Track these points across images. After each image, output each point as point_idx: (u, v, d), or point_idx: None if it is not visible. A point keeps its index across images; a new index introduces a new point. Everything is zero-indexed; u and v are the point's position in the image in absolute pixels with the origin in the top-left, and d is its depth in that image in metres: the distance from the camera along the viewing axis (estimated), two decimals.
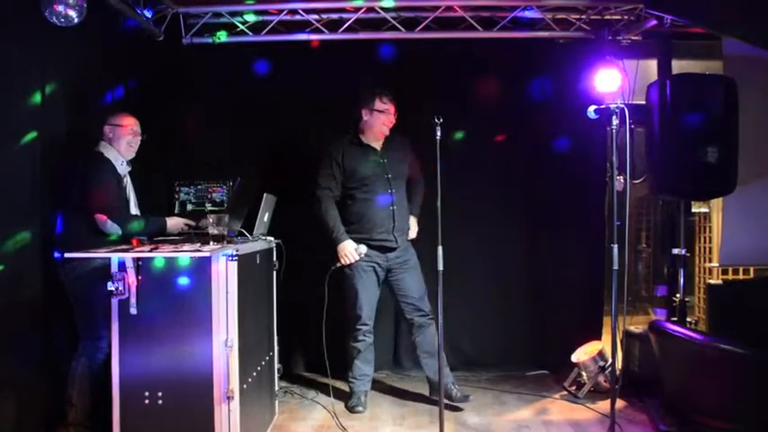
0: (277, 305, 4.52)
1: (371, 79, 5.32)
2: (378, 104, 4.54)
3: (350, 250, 4.50)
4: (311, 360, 5.52)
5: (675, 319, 4.99)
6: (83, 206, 3.83)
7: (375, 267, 4.60)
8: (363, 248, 4.51)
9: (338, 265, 4.54)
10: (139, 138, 4.17)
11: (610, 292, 4.05)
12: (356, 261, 4.55)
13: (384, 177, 4.55)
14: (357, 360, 4.67)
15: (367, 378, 4.71)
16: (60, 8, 3.76)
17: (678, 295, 4.99)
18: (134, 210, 4.20)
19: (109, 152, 4.03)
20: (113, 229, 3.83)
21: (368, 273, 4.59)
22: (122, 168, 4.07)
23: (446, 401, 4.25)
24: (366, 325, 4.63)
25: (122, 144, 4.08)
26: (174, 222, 4.27)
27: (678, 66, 5.22)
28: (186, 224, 4.30)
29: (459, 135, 5.27)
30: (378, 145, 4.62)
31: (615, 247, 3.95)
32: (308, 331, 5.37)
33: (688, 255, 5.09)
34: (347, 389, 4.81)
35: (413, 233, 4.72)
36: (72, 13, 3.82)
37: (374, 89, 4.58)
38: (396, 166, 4.57)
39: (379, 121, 4.55)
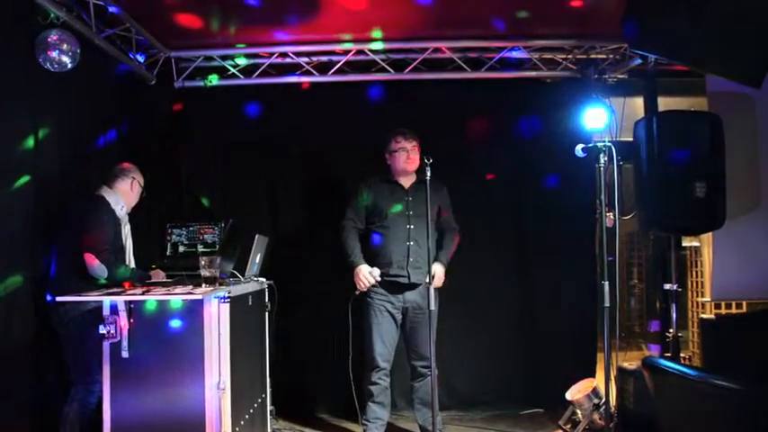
0: (269, 345, 4.52)
1: (361, 120, 5.46)
2: (393, 145, 4.63)
3: (364, 273, 4.48)
4: (306, 401, 5.49)
5: (669, 354, 4.97)
6: (77, 248, 3.82)
7: (389, 308, 4.57)
8: (377, 272, 4.48)
9: (357, 292, 4.51)
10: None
11: (602, 328, 4.06)
12: (372, 300, 4.55)
13: (405, 214, 4.57)
14: (370, 402, 4.58)
15: (380, 422, 4.60)
16: (54, 54, 3.83)
17: (671, 330, 4.97)
18: (131, 257, 4.21)
19: (110, 196, 4.06)
20: (100, 271, 3.79)
21: (383, 313, 4.56)
22: (121, 213, 4.10)
23: None
24: (380, 368, 4.56)
25: (133, 200, 4.20)
26: (155, 273, 4.31)
27: (664, 102, 5.28)
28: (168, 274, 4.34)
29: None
30: (406, 183, 4.66)
31: (606, 284, 3.99)
32: (302, 371, 5.36)
33: (680, 290, 5.08)
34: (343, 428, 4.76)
35: (437, 281, 4.56)
36: (66, 59, 3.89)
37: (390, 132, 4.67)
38: (420, 206, 4.46)
39: (400, 160, 4.60)
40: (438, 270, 4.56)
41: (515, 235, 5.69)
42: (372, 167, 4.81)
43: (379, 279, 4.49)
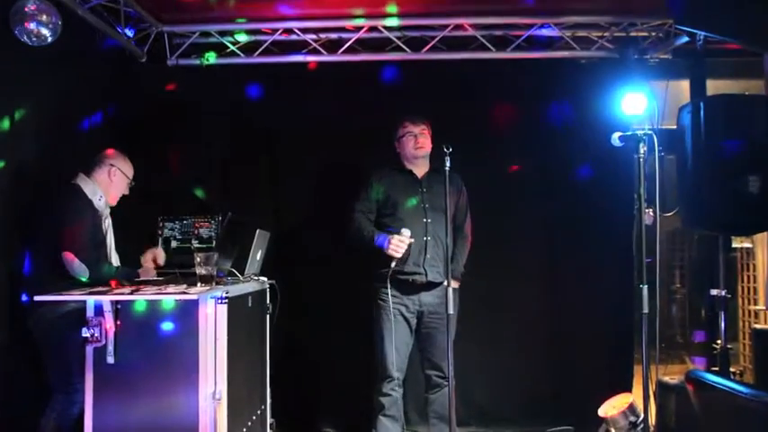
0: (270, 350, 4.54)
1: (374, 105, 5.42)
2: (400, 131, 4.67)
3: (394, 240, 4.38)
4: (309, 413, 5.46)
5: (717, 368, 4.93)
6: (54, 244, 3.80)
7: (403, 311, 4.54)
8: (407, 231, 4.39)
9: (393, 265, 4.40)
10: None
11: (640, 337, 4.02)
12: (384, 303, 4.50)
13: (421, 207, 4.57)
14: (381, 416, 4.55)
15: None
16: (32, 26, 3.78)
17: (719, 342, 4.94)
18: (113, 253, 4.19)
19: (86, 186, 4.03)
20: (80, 270, 3.77)
21: (396, 317, 4.52)
22: (100, 204, 4.07)
23: None
24: (393, 378, 4.52)
25: (115, 191, 4.15)
26: (144, 271, 4.26)
27: (713, 86, 5.26)
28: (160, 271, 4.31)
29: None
30: (420, 172, 4.68)
31: (645, 287, 3.96)
32: (306, 381, 5.35)
33: (729, 296, 5.01)
34: None
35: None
36: (45, 32, 3.84)
37: (396, 119, 4.70)
38: (436, 198, 4.52)
39: (409, 146, 4.63)
40: (453, 284, 4.45)
41: (543, 233, 5.64)
42: (385, 156, 4.80)
43: (411, 239, 4.40)
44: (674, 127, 4.80)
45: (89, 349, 3.33)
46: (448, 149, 3.93)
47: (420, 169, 4.68)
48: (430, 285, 4.54)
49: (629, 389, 5.23)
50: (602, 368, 5.42)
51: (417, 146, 4.60)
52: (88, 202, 3.99)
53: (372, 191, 4.63)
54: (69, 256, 3.76)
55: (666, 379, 4.85)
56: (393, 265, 4.40)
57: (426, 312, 4.56)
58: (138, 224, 5.00)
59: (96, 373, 3.33)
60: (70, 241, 3.78)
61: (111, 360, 3.33)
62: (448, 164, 3.94)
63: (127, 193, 4.25)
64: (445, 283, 4.05)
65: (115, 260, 4.18)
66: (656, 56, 5.47)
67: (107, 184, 4.12)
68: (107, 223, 4.15)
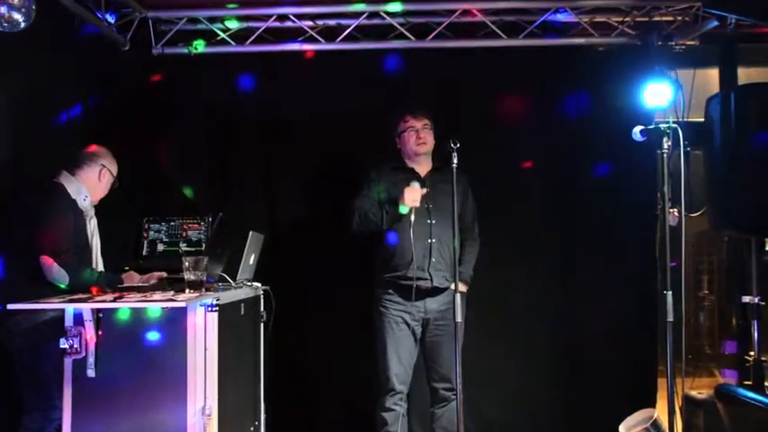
0: (264, 362, 4.51)
1: (375, 97, 5.42)
2: (401, 126, 4.71)
3: (407, 191, 4.38)
4: (307, 429, 5.46)
5: (749, 382, 4.92)
6: (31, 248, 3.76)
7: (407, 319, 4.53)
8: (415, 183, 4.40)
9: (412, 219, 4.40)
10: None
11: (664, 348, 4.01)
12: (386, 310, 4.53)
13: (424, 207, 4.53)
14: None
15: None
16: (3, 10, 3.71)
17: (752, 353, 4.95)
18: (97, 258, 4.17)
19: (70, 185, 4.00)
20: (59, 276, 3.73)
21: (399, 326, 4.53)
22: (85, 204, 4.04)
23: None
24: (396, 392, 4.52)
25: (102, 190, 4.15)
26: (129, 277, 4.25)
27: (745, 74, 5.26)
28: (145, 280, 4.29)
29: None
30: (422, 170, 4.67)
31: (670, 294, 3.94)
32: (303, 394, 5.38)
33: (763, 303, 5.01)
34: None
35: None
36: (17, 17, 3.77)
37: (398, 113, 4.73)
38: (440, 198, 4.50)
39: (410, 142, 4.65)
40: (461, 289, 4.47)
41: (557, 234, 5.61)
42: (388, 151, 4.81)
43: (423, 189, 4.41)
44: (702, 119, 4.83)
45: (68, 362, 3.30)
46: (455, 145, 3.92)
47: (422, 167, 4.68)
48: (435, 291, 4.54)
49: (652, 404, 5.20)
50: (623, 381, 5.40)
51: (419, 142, 4.62)
52: (71, 202, 3.96)
53: (374, 188, 4.64)
54: (47, 261, 3.71)
55: (694, 393, 4.86)
56: (412, 219, 4.40)
57: (432, 320, 4.57)
58: (122, 225, 4.97)
59: (75, 388, 3.31)
60: (49, 244, 3.74)
61: (91, 373, 3.30)
62: (455, 161, 3.94)
63: (106, 192, 4.25)
64: (452, 287, 4.04)
65: (101, 266, 4.16)
66: (681, 42, 5.43)
67: (95, 184, 4.12)
68: (92, 224, 4.13)
